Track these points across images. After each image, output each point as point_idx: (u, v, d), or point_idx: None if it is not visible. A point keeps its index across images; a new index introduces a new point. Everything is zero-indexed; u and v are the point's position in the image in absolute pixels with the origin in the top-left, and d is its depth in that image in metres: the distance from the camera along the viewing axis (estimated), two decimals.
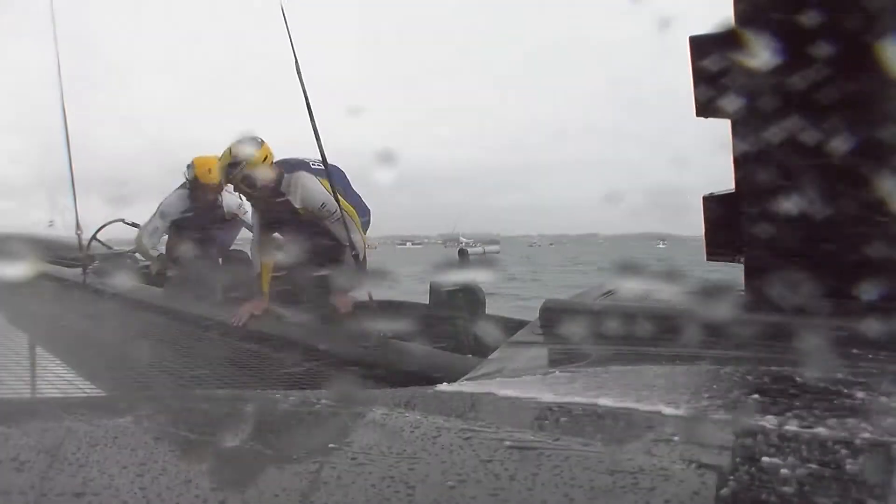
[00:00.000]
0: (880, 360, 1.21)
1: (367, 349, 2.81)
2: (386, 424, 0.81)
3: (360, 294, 3.24)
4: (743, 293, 1.71)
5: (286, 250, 3.39)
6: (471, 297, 3.37)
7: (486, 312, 3.40)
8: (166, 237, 4.61)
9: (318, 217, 3.34)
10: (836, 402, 0.93)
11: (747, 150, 1.63)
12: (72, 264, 5.22)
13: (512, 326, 2.31)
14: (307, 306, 3.41)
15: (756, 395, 1.01)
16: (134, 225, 5.37)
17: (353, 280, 3.24)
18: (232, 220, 4.70)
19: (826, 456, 0.66)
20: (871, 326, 1.27)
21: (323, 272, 3.32)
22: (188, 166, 4.46)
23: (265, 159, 3.35)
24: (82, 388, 2.60)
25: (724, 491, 0.60)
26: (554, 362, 1.61)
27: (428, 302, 3.58)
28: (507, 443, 0.72)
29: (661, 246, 34.72)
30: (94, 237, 5.38)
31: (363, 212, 3.52)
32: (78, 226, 4.91)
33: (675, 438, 0.74)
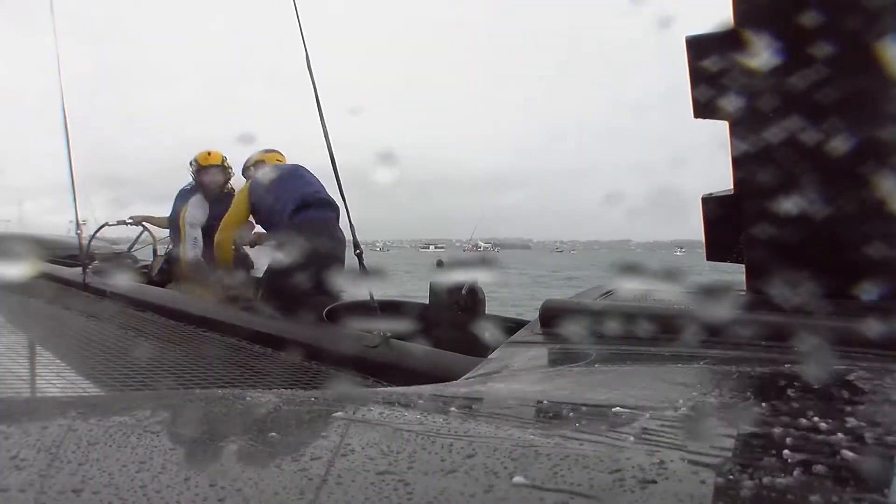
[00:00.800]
0: (880, 360, 1.21)
1: (367, 349, 2.81)
2: (385, 424, 0.81)
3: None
4: (743, 293, 1.71)
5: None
6: (471, 297, 3.37)
7: (486, 312, 3.40)
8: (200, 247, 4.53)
9: None
10: (836, 402, 0.93)
11: (746, 150, 1.63)
12: (72, 264, 5.23)
13: (512, 326, 2.31)
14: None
15: (756, 395, 1.02)
16: (136, 224, 5.39)
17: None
18: None
19: (826, 456, 0.66)
20: (871, 326, 1.27)
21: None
22: (190, 163, 4.69)
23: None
24: (82, 388, 2.60)
25: (724, 491, 0.60)
26: (553, 362, 1.61)
27: (428, 302, 3.58)
28: (507, 443, 0.72)
29: (678, 253, 34.47)
30: (93, 237, 5.39)
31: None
32: (78, 226, 4.94)
33: (675, 438, 0.74)
